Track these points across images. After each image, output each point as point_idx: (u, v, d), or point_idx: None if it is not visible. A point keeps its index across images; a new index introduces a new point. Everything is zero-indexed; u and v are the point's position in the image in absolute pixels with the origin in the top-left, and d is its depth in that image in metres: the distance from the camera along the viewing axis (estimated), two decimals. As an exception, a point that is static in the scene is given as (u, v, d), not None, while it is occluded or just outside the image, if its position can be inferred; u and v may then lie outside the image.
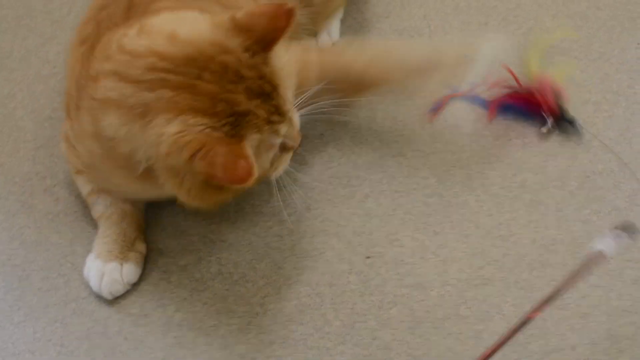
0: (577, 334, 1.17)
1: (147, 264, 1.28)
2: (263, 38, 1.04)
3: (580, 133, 1.39)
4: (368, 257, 1.27)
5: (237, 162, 0.99)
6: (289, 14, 1.04)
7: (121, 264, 1.25)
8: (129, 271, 1.25)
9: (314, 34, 1.51)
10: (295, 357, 1.17)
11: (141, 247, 1.28)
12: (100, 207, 1.30)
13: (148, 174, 1.08)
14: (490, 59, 1.33)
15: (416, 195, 1.34)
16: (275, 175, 1.16)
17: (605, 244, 1.14)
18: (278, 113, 1.07)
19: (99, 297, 1.25)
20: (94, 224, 1.32)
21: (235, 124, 1.02)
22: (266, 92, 1.05)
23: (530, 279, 1.23)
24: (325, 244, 1.28)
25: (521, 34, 1.53)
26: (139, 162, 1.06)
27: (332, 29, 1.54)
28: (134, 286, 1.26)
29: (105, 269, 1.24)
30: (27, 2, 1.70)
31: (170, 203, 1.32)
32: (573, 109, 1.41)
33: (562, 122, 1.40)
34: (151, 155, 1.03)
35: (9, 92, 1.54)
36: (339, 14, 1.56)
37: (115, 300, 1.24)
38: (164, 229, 1.32)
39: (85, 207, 1.34)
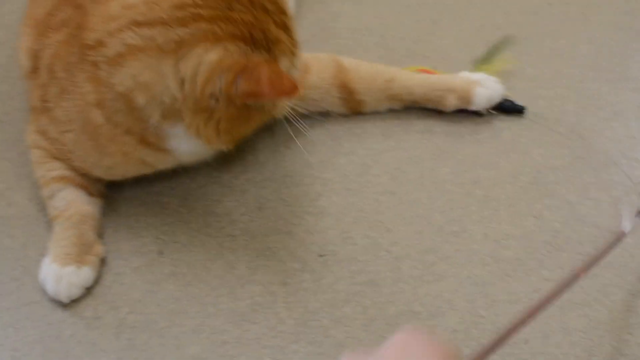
0: (530, 327, 1.16)
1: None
2: None
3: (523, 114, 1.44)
4: (321, 256, 1.27)
5: (282, 76, 1.06)
6: None
7: (79, 268, 1.23)
8: (86, 275, 1.23)
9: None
10: (249, 356, 1.16)
11: (99, 250, 1.27)
12: (61, 204, 1.28)
13: (153, 135, 1.14)
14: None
15: (368, 192, 1.34)
16: (281, 112, 1.21)
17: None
18: (296, 45, 1.15)
19: (52, 301, 1.23)
20: (47, 227, 1.30)
21: (269, 50, 1.09)
22: (287, 24, 1.12)
23: (482, 275, 1.23)
24: (278, 243, 1.28)
25: (474, 31, 1.54)
26: (154, 112, 1.11)
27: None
28: (87, 289, 1.24)
29: (62, 272, 1.22)
30: (-23, 7, 1.69)
31: (124, 203, 1.34)
32: (526, 103, 1.44)
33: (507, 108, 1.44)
34: (179, 93, 1.07)
35: (-40, 97, 1.53)
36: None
37: (68, 304, 1.23)
38: (116, 230, 1.31)
39: (38, 211, 1.33)
